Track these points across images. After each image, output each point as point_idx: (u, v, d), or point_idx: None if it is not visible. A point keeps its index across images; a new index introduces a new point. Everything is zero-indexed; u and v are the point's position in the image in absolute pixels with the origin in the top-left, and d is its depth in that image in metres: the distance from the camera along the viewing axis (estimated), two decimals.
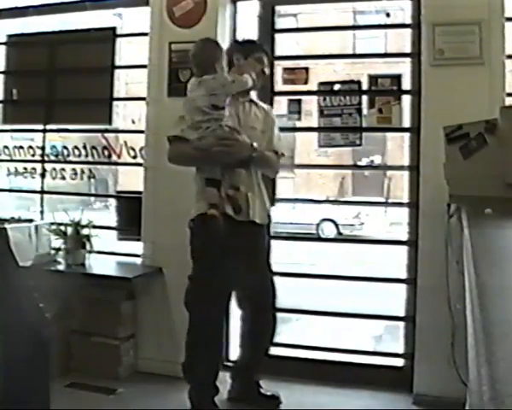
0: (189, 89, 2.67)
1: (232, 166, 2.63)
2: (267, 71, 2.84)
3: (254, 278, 2.80)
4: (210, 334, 2.70)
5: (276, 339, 3.06)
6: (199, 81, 2.60)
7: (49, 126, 3.86)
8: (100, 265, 3.49)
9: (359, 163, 8.83)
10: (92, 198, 7.57)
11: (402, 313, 3.22)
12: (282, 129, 3.04)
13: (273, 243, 3.19)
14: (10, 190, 4.15)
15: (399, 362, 3.23)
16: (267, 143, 2.80)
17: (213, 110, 2.55)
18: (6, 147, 3.99)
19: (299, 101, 3.72)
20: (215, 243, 2.57)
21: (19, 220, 3.54)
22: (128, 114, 4.28)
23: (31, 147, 3.92)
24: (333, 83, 3.37)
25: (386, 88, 3.23)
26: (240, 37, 3.26)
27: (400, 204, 3.54)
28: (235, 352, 3.17)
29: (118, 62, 3.71)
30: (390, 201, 10.33)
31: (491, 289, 1.06)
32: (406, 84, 3.17)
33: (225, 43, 3.36)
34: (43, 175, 3.88)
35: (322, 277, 3.83)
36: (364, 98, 3.26)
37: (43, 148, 3.88)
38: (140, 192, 3.47)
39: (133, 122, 4.15)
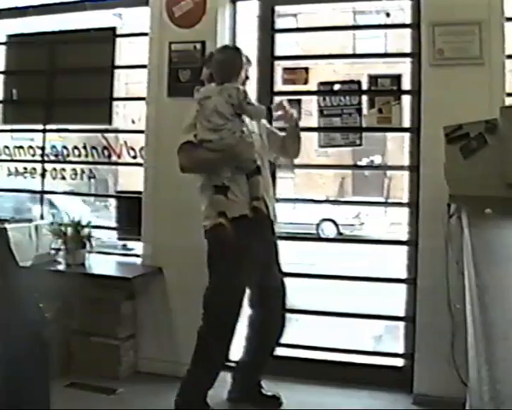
0: (205, 93, 2.68)
1: (246, 171, 2.68)
2: (249, 75, 2.87)
3: (269, 277, 2.83)
4: (227, 336, 2.71)
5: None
6: (220, 89, 2.65)
7: (49, 126, 3.86)
8: (100, 265, 3.49)
9: (359, 163, 8.83)
10: (92, 198, 7.56)
11: (402, 313, 3.22)
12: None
13: None
14: (10, 190, 4.15)
15: (399, 362, 3.23)
16: (262, 147, 2.84)
17: (235, 117, 2.64)
18: (6, 147, 3.99)
19: (299, 101, 3.71)
20: (231, 250, 2.59)
21: (19, 220, 3.54)
22: (128, 114, 4.28)
23: (31, 147, 3.92)
24: (333, 83, 3.37)
25: (386, 88, 3.23)
26: (245, 39, 3.26)
27: (400, 204, 3.53)
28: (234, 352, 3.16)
29: (118, 62, 3.71)
30: (390, 201, 10.32)
31: (491, 289, 1.06)
32: (406, 84, 3.17)
33: (225, 44, 3.37)
34: (43, 175, 3.88)
35: (322, 277, 3.83)
36: (364, 98, 3.26)
37: (43, 148, 3.88)
38: (140, 192, 3.48)
39: (133, 122, 4.16)
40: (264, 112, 2.75)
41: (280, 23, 3.45)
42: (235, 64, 2.73)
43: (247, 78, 2.83)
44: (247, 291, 2.84)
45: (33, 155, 3.92)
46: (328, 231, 11.70)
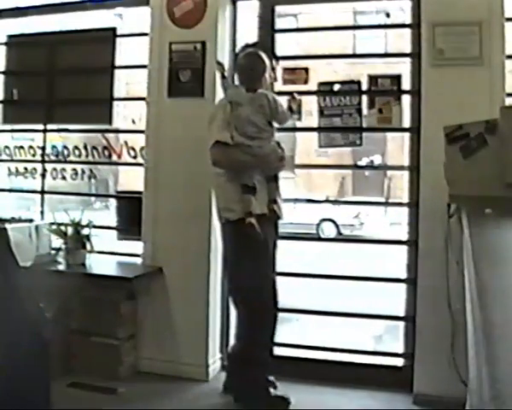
0: (237, 99, 2.82)
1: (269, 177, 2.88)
2: (277, 76, 3.10)
3: (271, 272, 2.98)
4: (271, 324, 2.96)
5: (277, 339, 3.06)
6: (251, 98, 2.80)
7: (49, 126, 3.86)
8: (100, 265, 3.49)
9: (359, 163, 8.82)
10: (92, 198, 7.57)
11: (402, 313, 3.22)
12: (282, 129, 3.07)
13: None
14: (11, 190, 4.15)
15: (399, 362, 3.23)
16: None
17: (268, 126, 2.85)
18: (7, 147, 3.99)
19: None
20: (257, 246, 2.78)
21: (19, 220, 3.54)
22: (128, 114, 4.27)
23: (31, 147, 3.92)
24: (333, 83, 3.37)
25: (386, 88, 3.23)
26: (245, 39, 3.28)
27: (400, 204, 3.54)
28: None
29: (118, 62, 3.71)
30: (390, 201, 10.32)
31: (491, 289, 1.06)
32: (406, 84, 3.17)
33: (225, 44, 3.37)
34: (43, 175, 3.88)
35: (322, 277, 3.83)
36: (364, 98, 3.26)
37: (43, 148, 3.88)
38: (140, 192, 3.48)
39: (133, 122, 4.15)
40: (289, 117, 2.93)
41: (280, 23, 3.45)
42: (257, 70, 2.87)
43: (274, 79, 3.05)
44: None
45: (34, 155, 3.92)
46: (328, 231, 11.69)
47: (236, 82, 2.99)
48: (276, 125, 2.91)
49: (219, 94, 3.30)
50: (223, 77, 3.01)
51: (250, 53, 2.93)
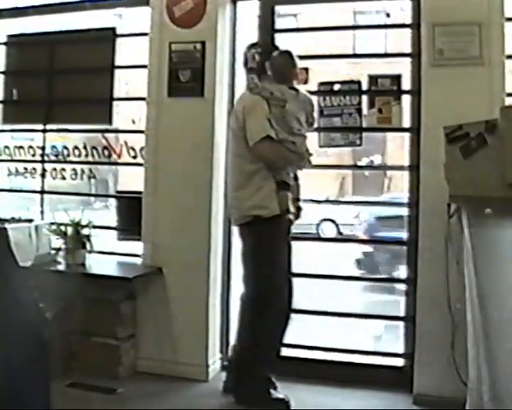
0: (281, 96, 2.85)
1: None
2: None
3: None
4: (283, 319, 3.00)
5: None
6: (296, 95, 2.91)
7: (49, 126, 3.86)
8: (100, 265, 3.49)
9: (359, 163, 8.82)
10: (92, 198, 7.55)
11: (402, 313, 3.22)
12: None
13: None
14: (10, 190, 4.15)
15: (399, 362, 3.23)
16: None
17: (306, 124, 2.95)
18: (6, 147, 3.99)
19: None
20: (283, 244, 2.91)
21: (19, 220, 3.54)
22: (128, 114, 4.27)
23: (31, 147, 3.92)
24: (333, 83, 3.37)
25: (386, 88, 3.23)
26: (250, 38, 3.29)
27: (400, 204, 3.54)
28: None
29: (118, 62, 3.71)
30: (390, 201, 10.30)
31: (491, 288, 1.06)
32: (406, 84, 3.17)
33: (225, 44, 3.37)
34: (43, 175, 3.88)
35: (322, 277, 3.83)
36: (364, 98, 3.26)
37: (43, 148, 3.88)
38: (140, 192, 3.48)
39: (133, 122, 4.15)
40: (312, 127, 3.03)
41: (280, 23, 3.45)
42: (294, 68, 2.95)
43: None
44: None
45: (33, 155, 3.92)
46: (328, 231, 11.68)
47: (255, 79, 2.99)
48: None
49: (219, 94, 3.31)
50: (250, 70, 3.01)
51: (284, 52, 2.99)
